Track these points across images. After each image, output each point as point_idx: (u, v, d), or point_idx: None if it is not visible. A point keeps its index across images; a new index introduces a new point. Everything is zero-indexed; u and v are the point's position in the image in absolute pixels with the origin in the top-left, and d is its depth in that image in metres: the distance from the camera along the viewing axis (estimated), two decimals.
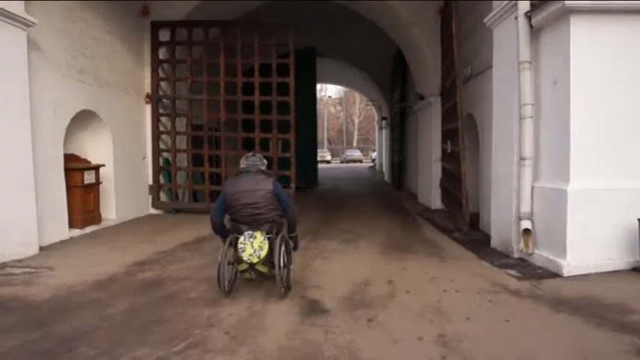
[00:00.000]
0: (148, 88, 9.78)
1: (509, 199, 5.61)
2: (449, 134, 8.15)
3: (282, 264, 4.07)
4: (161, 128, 9.94)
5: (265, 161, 4.51)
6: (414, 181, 12.91)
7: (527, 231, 5.27)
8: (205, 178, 9.81)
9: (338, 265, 5.43)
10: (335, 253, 6.00)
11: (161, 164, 9.95)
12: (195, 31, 9.62)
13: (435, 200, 10.10)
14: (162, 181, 10.00)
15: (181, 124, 9.96)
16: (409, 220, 8.93)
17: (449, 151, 8.19)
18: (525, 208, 5.28)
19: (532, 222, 5.27)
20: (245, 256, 3.98)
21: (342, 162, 42.37)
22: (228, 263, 4.16)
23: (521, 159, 5.31)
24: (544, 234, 5.12)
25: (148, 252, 6.07)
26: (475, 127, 7.96)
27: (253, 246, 3.98)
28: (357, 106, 52.45)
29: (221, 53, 9.48)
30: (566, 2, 4.52)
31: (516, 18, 5.30)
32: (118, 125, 8.69)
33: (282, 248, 4.12)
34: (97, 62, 7.98)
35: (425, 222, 8.60)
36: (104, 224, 8.07)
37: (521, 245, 5.32)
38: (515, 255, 5.50)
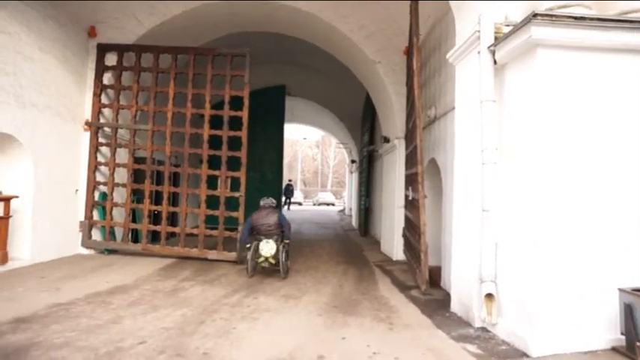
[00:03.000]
0: (88, 114, 8.91)
1: (470, 257, 4.85)
2: (411, 180, 7.47)
3: (283, 259, 7.13)
4: (100, 159, 9.00)
5: (274, 200, 7.87)
6: (379, 228, 12.14)
7: (490, 296, 4.48)
8: (144, 215, 8.80)
9: (265, 330, 4.47)
10: (267, 314, 5.04)
11: (96, 198, 8.93)
12: (144, 57, 8.92)
13: (397, 251, 9.30)
14: (95, 217, 8.94)
15: (123, 155, 9.05)
16: (366, 272, 8.04)
17: (410, 198, 7.48)
18: (488, 268, 4.51)
19: (496, 285, 4.49)
20: (263, 253, 6.95)
21: (314, 204, 41.52)
22: (252, 259, 7.10)
23: (484, 211, 4.59)
24: (510, 301, 4.33)
25: (41, 304, 4.99)
26: (439, 173, 7.32)
27: (268, 246, 6.97)
28: (333, 149, 52.41)
29: (171, 81, 8.76)
30: (532, 34, 3.96)
31: (479, 52, 4.74)
32: (45, 152, 7.72)
33: (283, 252, 7.16)
34: (22, 81, 7.11)
35: (383, 275, 7.73)
36: (11, 265, 6.94)
37: (484, 313, 4.51)
38: (477, 324, 4.67)
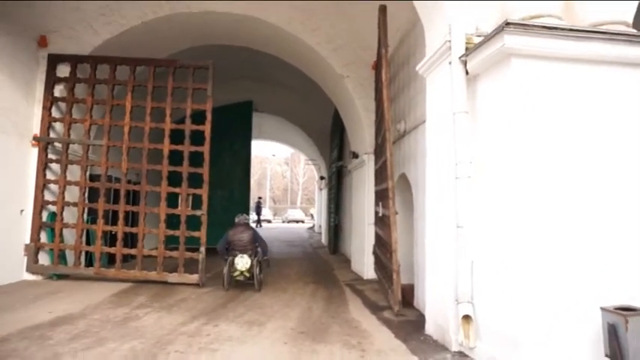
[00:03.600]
0: (37, 128, 8.28)
1: (445, 276, 4.59)
2: (381, 196, 7.23)
3: (257, 273, 7.59)
4: (50, 176, 8.35)
5: (248, 217, 9.02)
6: (349, 245, 11.84)
7: (467, 318, 4.21)
8: (98, 237, 8.17)
9: None
10: (228, 344, 4.59)
11: (44, 219, 8.24)
12: (100, 69, 8.41)
13: (367, 269, 9.00)
14: (44, 239, 8.24)
15: (77, 172, 8.43)
16: (336, 292, 7.69)
17: (380, 214, 7.23)
18: (464, 288, 4.25)
19: (473, 306, 4.23)
20: (238, 267, 7.44)
21: (283, 222, 40.97)
22: (228, 273, 7.56)
23: (458, 227, 4.35)
24: (488, 323, 4.07)
25: None
26: (409, 188, 7.11)
27: (242, 261, 7.45)
28: (302, 166, 52.19)
29: (128, 94, 8.27)
30: (506, 43, 3.80)
31: (450, 63, 4.57)
32: None
33: (257, 266, 7.64)
34: None
35: (354, 296, 7.39)
36: None
37: (461, 336, 4.23)
38: (454, 348, 4.38)
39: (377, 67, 7.49)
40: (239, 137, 16.36)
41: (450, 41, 4.57)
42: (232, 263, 7.50)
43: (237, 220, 8.08)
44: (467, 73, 4.47)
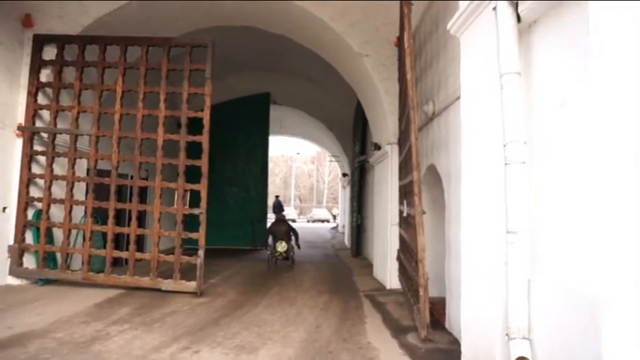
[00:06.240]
0: (22, 117, 7.50)
1: (489, 298, 3.39)
2: (405, 191, 6.06)
3: (292, 255, 10.77)
4: (37, 170, 7.56)
5: (285, 215, 13.13)
6: (371, 248, 10.67)
7: None
8: (86, 238, 7.32)
9: None
10: None
11: (30, 217, 7.45)
12: (90, 50, 7.55)
13: (391, 277, 7.81)
14: (29, 240, 7.45)
15: (66, 165, 7.60)
16: (353, 305, 6.55)
17: (405, 214, 6.04)
18: (518, 318, 3.04)
19: (531, 343, 3.02)
20: (278, 249, 10.54)
21: (308, 221, 40.07)
22: (271, 253, 10.63)
23: (509, 232, 3.15)
24: None
25: None
26: (440, 182, 5.89)
27: (281, 245, 10.57)
28: (327, 164, 51.18)
29: (119, 77, 7.38)
30: None
31: (494, 9, 3.37)
32: None
33: (291, 250, 10.77)
34: None
35: (373, 311, 6.23)
36: None
37: None
38: None
39: (400, 29, 6.30)
40: (255, 131, 15.47)
41: None
42: (274, 247, 10.50)
43: (276, 217, 12.13)
44: (518, 20, 3.26)
